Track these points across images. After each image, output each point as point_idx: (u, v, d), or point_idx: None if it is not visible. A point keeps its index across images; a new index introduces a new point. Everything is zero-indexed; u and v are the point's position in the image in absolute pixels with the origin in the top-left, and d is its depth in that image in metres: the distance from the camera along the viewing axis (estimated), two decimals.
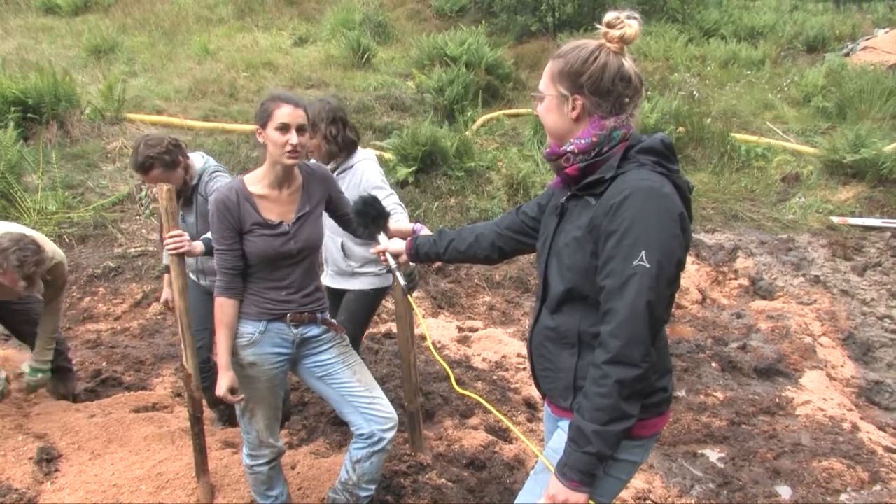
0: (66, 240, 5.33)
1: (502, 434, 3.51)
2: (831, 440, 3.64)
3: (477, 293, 5.48)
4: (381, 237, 2.20)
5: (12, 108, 5.97)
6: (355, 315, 3.10)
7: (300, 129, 2.20)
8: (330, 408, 3.17)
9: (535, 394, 3.79)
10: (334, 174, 2.85)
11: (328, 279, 3.17)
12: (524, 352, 4.18)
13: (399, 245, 2.16)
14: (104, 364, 4.08)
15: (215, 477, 2.82)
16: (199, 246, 2.65)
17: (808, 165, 7.36)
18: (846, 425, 3.79)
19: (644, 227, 1.47)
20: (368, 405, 2.41)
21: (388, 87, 8.14)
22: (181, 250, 2.53)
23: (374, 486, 2.49)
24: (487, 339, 4.65)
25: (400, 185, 6.10)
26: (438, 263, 5.29)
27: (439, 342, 4.55)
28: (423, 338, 4.00)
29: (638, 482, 3.23)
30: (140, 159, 2.87)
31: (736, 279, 5.81)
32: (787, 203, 6.90)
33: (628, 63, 1.57)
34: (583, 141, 1.59)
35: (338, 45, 9.16)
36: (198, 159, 3.12)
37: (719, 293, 5.73)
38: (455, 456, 3.23)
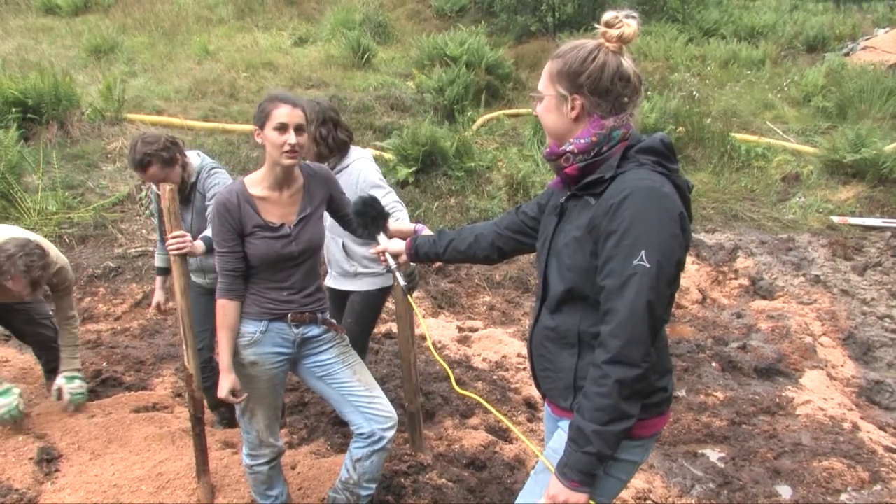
0: (67, 240, 5.34)
1: (502, 434, 3.51)
2: (831, 440, 3.64)
3: (477, 293, 5.48)
4: (381, 237, 2.20)
5: (13, 109, 5.98)
6: (361, 316, 3.08)
7: (298, 129, 2.19)
8: (330, 408, 3.17)
9: (535, 394, 3.79)
10: None
11: (331, 281, 3.15)
12: (524, 352, 4.18)
13: (399, 245, 2.16)
14: (104, 364, 4.07)
15: (216, 477, 2.83)
16: (200, 246, 2.66)
17: (808, 165, 7.36)
18: (846, 425, 3.79)
19: (644, 227, 1.47)
20: (368, 404, 2.41)
21: (388, 88, 8.14)
22: (184, 250, 2.54)
23: (374, 486, 2.50)
24: (487, 339, 4.64)
25: (400, 186, 6.10)
26: (439, 263, 5.30)
27: (439, 342, 4.55)
28: (424, 338, 4.00)
29: (638, 482, 3.23)
30: (138, 157, 2.86)
31: (736, 279, 5.80)
32: (788, 203, 6.90)
33: (627, 62, 1.57)
34: (582, 141, 1.59)
35: (338, 45, 9.16)
36: (194, 157, 3.12)
37: (719, 293, 5.73)
38: (455, 456, 3.23)
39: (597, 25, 1.59)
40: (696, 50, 10.12)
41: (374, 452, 2.40)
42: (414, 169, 6.19)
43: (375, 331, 4.61)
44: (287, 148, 2.17)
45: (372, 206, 2.19)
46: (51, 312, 3.44)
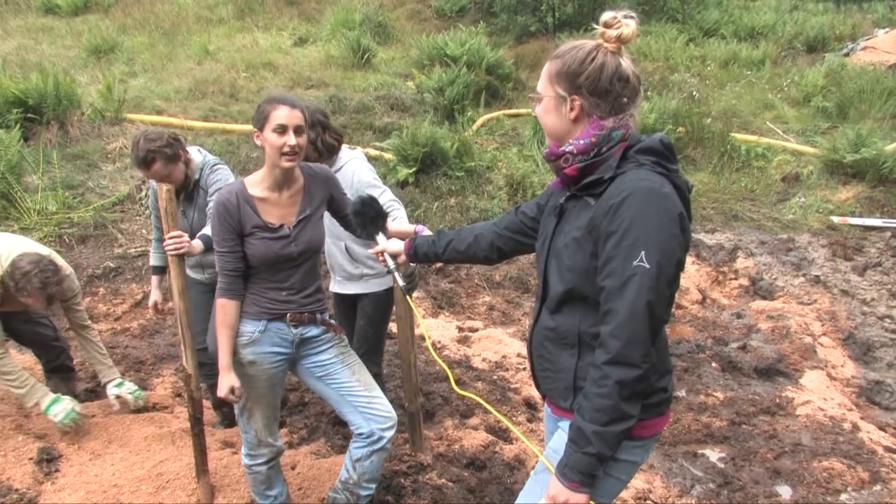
0: (66, 240, 5.34)
1: (502, 434, 3.51)
2: (831, 440, 3.64)
3: (477, 293, 5.47)
4: (380, 237, 2.19)
5: (13, 109, 5.98)
6: (373, 318, 3.06)
7: (298, 131, 2.19)
8: (330, 408, 3.17)
9: (535, 394, 3.79)
10: None
11: (336, 286, 3.10)
12: (524, 352, 4.18)
13: (398, 245, 2.15)
14: None
15: (215, 477, 2.83)
16: (198, 245, 2.66)
17: (808, 165, 7.35)
18: (846, 425, 3.79)
19: (644, 228, 1.47)
20: (367, 404, 2.41)
21: (388, 88, 8.14)
22: (181, 251, 2.53)
23: (374, 486, 2.50)
24: (487, 339, 4.65)
25: (400, 186, 6.10)
26: (439, 264, 5.30)
27: (439, 342, 4.55)
28: (423, 338, 4.00)
29: (638, 482, 3.23)
30: (141, 154, 2.85)
31: (736, 279, 5.80)
32: (787, 203, 6.90)
33: (626, 63, 1.57)
34: (581, 141, 1.59)
35: (338, 45, 9.16)
36: (196, 154, 3.11)
37: (719, 293, 5.73)
38: (455, 456, 3.23)
39: (595, 26, 1.59)
40: (696, 50, 10.12)
41: (374, 452, 2.40)
42: (414, 169, 6.19)
43: None
44: (286, 150, 2.17)
45: (371, 206, 2.19)
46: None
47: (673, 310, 2.84)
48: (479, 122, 7.69)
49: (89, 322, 3.38)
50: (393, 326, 3.19)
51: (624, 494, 3.09)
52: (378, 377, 2.99)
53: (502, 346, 4.53)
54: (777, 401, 4.05)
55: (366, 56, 8.87)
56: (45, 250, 3.12)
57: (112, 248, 5.37)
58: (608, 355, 1.49)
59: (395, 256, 2.16)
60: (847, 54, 10.22)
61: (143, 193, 5.79)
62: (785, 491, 3.27)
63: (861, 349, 4.78)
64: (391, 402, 2.54)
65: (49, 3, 10.99)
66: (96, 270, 5.11)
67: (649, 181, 1.52)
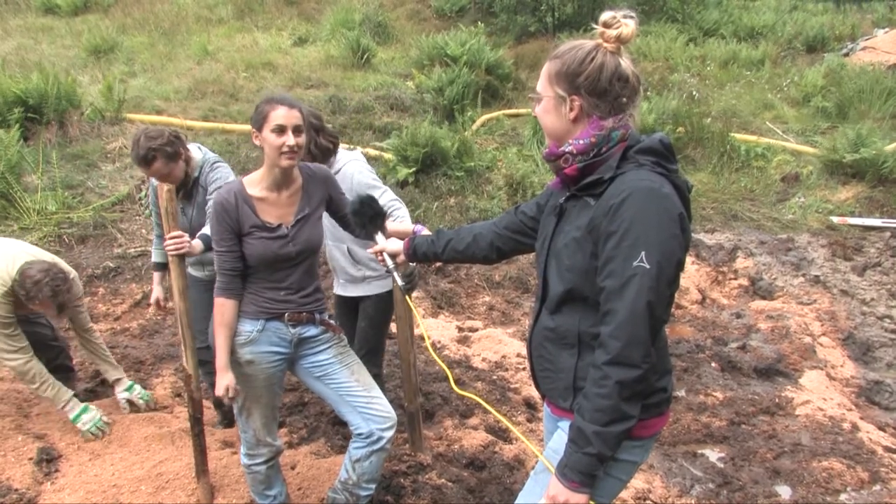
0: (66, 240, 5.34)
1: (502, 434, 3.51)
2: (831, 440, 3.64)
3: (477, 293, 5.47)
4: (379, 237, 2.19)
5: (14, 109, 5.98)
6: (375, 319, 3.05)
7: (297, 130, 2.19)
8: (330, 408, 3.17)
9: (534, 394, 3.79)
10: None
11: (339, 289, 3.10)
12: (524, 352, 4.18)
13: (397, 245, 2.15)
14: None
15: (215, 477, 2.83)
16: (198, 245, 2.66)
17: (808, 165, 7.35)
18: (846, 425, 3.79)
19: (644, 228, 1.47)
20: (367, 405, 2.41)
21: (388, 88, 8.14)
22: (181, 251, 2.53)
23: (373, 486, 2.50)
24: (487, 339, 4.64)
25: (400, 186, 6.10)
26: (438, 264, 5.30)
27: (439, 342, 4.55)
28: (423, 338, 4.00)
29: (638, 482, 3.23)
30: (142, 152, 2.84)
31: (736, 279, 5.80)
32: (787, 203, 6.90)
33: (625, 63, 1.57)
34: (581, 142, 1.59)
35: (337, 45, 9.17)
36: (196, 152, 3.11)
37: (719, 293, 5.73)
38: (455, 456, 3.23)
39: (595, 26, 1.59)
40: (696, 50, 10.12)
41: (374, 453, 2.40)
42: (413, 169, 6.19)
43: None
44: (285, 150, 2.17)
45: (369, 206, 2.18)
46: None
47: (673, 310, 2.84)
48: (479, 122, 7.70)
49: (91, 325, 3.39)
50: (393, 326, 3.19)
51: (624, 494, 3.09)
52: (378, 378, 2.99)
53: (502, 346, 4.53)
54: (776, 401, 4.05)
55: (365, 56, 8.87)
56: (49, 256, 3.13)
57: (112, 248, 5.37)
58: (608, 356, 1.49)
59: (394, 256, 2.15)
60: (847, 54, 10.22)
61: (143, 193, 5.79)
62: (784, 491, 3.28)
63: (860, 349, 4.78)
64: (391, 402, 2.54)
65: (49, 3, 10.99)
66: (96, 270, 5.11)
67: (649, 181, 1.52)
